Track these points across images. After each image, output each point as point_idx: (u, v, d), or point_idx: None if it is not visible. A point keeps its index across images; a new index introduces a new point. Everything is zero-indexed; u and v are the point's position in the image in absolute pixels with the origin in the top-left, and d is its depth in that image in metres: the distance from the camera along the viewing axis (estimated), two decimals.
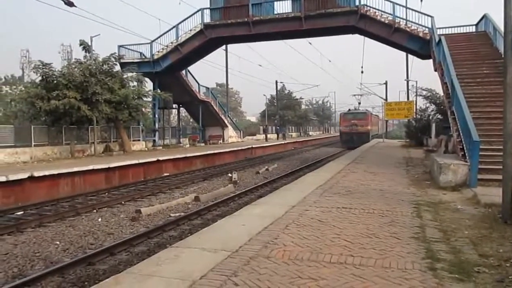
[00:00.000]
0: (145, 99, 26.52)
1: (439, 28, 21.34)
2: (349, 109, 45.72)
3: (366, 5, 22.96)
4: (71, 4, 16.18)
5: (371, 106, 60.40)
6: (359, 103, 49.13)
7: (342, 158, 18.31)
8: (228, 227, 6.18)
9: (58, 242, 8.75)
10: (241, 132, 44.96)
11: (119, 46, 28.09)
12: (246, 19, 24.84)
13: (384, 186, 10.05)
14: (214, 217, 10.67)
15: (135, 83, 25.44)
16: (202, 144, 34.07)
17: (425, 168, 13.81)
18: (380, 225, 6.17)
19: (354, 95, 49.83)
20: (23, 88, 25.75)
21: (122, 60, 26.36)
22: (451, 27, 22.37)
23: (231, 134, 39.14)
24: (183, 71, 30.96)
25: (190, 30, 26.62)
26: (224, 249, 4.97)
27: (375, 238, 5.49)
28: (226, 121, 38.51)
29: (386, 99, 43.78)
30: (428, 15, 21.97)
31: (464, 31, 21.72)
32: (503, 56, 15.38)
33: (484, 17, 19.49)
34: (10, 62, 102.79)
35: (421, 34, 22.12)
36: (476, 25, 21.13)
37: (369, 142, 37.00)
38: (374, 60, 70.52)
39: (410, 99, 36.46)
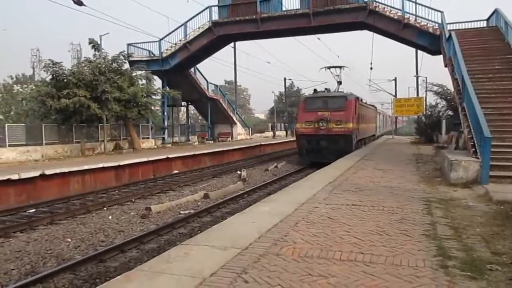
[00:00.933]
0: (154, 97, 26.67)
1: (449, 23, 21.09)
2: (315, 90, 23.31)
3: (375, 1, 22.78)
4: (80, 3, 16.29)
5: (380, 102, 59.22)
6: (339, 83, 25.26)
7: (351, 155, 18.21)
8: (238, 225, 6.18)
9: (69, 240, 8.85)
10: (250, 129, 44.98)
11: (128, 45, 28.22)
12: (254, 16, 24.80)
13: (394, 183, 9.98)
14: (224, 215, 10.71)
15: (144, 81, 25.57)
16: (211, 142, 34.15)
17: (435, 165, 13.68)
18: (391, 222, 6.13)
19: (328, 67, 25.52)
20: (33, 87, 26.04)
21: (131, 58, 26.51)
22: (462, 22, 22.10)
23: (239, 132, 39.16)
24: (192, 69, 31.01)
25: (198, 28, 26.65)
26: (233, 247, 4.98)
27: (386, 236, 5.45)
28: (234, 119, 38.53)
29: (395, 95, 43.44)
30: (438, 10, 21.75)
31: (475, 26, 21.45)
32: None
33: (496, 11, 19.23)
34: (21, 61, 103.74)
35: (431, 30, 21.89)
36: (487, 20, 20.85)
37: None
38: (383, 56, 69.99)
39: (420, 95, 36.14)
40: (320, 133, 20.66)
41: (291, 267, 4.31)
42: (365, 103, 28.34)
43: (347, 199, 8.03)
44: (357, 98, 22.84)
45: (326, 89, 24.11)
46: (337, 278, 4.00)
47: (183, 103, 34.67)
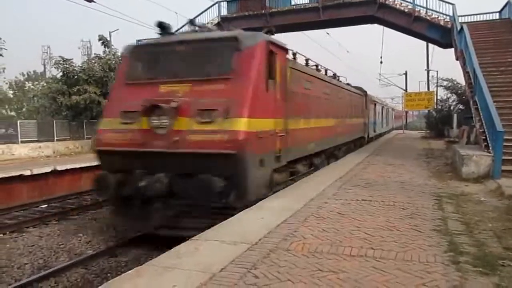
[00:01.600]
0: None
1: (461, 16, 20.79)
2: (161, 26, 8.63)
3: None
4: (90, 0, 16.38)
5: (390, 97, 58.40)
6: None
7: (360, 151, 18.11)
8: (247, 220, 6.19)
9: (81, 235, 8.94)
10: None
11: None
12: (263, 11, 24.72)
13: (404, 178, 9.91)
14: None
15: None
16: None
17: (446, 160, 13.56)
18: (401, 218, 6.09)
19: None
20: (45, 84, 26.36)
21: None
22: (473, 14, 21.79)
23: None
24: None
25: (207, 23, 26.63)
26: (243, 242, 4.99)
27: (396, 231, 5.42)
28: None
29: (406, 90, 43.04)
30: (449, 3, 21.44)
31: (487, 19, 21.12)
32: None
33: (508, 3, 18.90)
34: (32, 58, 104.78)
35: (442, 23, 21.60)
36: (500, 12, 20.52)
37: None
38: (394, 50, 69.29)
39: (431, 89, 35.77)
40: (152, 149, 7.47)
41: (301, 263, 4.31)
42: (341, 80, 16.84)
43: (357, 194, 8.00)
44: (281, 48, 9.45)
45: (191, 21, 11.30)
46: (347, 274, 3.99)
47: None
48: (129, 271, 4.26)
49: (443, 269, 4.06)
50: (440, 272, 4.00)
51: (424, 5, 22.21)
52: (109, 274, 6.68)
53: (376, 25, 25.54)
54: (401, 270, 4.05)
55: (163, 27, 8.74)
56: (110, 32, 25.35)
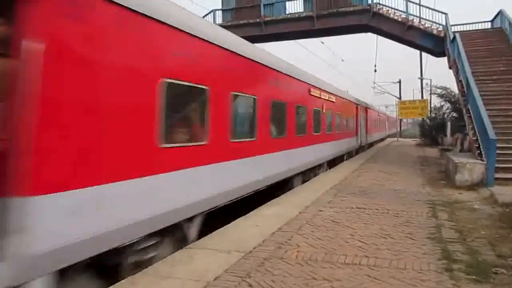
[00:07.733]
0: None
1: (454, 25, 21.08)
2: None
3: (379, 3, 22.76)
4: None
5: (385, 105, 58.68)
6: None
7: (356, 158, 18.17)
8: (242, 228, 6.18)
9: None
10: None
11: None
12: (258, 20, 24.89)
13: (398, 186, 9.95)
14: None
15: None
16: None
17: (440, 167, 13.63)
18: (395, 226, 6.11)
19: None
20: None
21: None
22: (466, 24, 22.13)
23: None
24: None
25: None
26: (237, 250, 4.98)
27: (390, 239, 5.44)
28: None
29: (400, 98, 43.31)
30: (442, 12, 21.71)
31: (479, 28, 21.41)
32: None
33: (500, 13, 19.17)
34: None
35: (435, 32, 21.84)
36: (492, 21, 20.81)
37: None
38: (388, 58, 69.71)
39: (425, 97, 36.03)
40: None
41: (295, 271, 4.31)
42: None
43: (352, 202, 8.02)
44: None
45: None
46: (341, 282, 3.99)
47: None
48: (123, 280, 4.23)
49: (437, 277, 4.08)
50: (434, 280, 4.01)
51: (418, 14, 22.46)
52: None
53: (370, 34, 25.79)
54: (395, 278, 4.06)
55: None
56: None
